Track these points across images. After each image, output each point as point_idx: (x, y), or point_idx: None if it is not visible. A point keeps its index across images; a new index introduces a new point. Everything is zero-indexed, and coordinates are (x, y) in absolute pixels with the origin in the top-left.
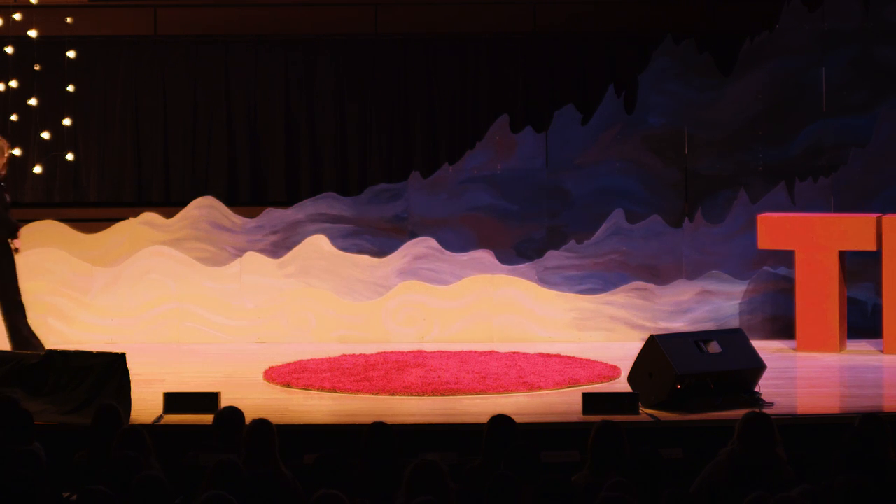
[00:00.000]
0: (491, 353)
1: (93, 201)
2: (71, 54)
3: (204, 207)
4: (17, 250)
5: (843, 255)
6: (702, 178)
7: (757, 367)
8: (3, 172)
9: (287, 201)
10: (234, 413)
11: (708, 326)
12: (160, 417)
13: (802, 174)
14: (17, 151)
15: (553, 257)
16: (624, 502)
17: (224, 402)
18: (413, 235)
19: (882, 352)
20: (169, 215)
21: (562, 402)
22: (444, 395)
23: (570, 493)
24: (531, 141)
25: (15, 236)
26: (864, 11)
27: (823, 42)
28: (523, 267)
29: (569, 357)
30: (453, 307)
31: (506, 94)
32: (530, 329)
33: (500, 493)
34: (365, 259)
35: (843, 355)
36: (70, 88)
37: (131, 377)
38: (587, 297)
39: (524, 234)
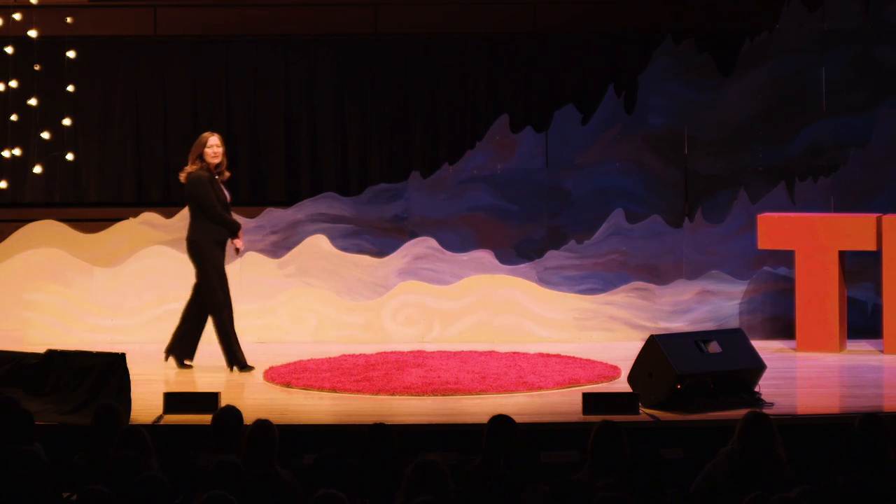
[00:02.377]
0: (491, 353)
1: (93, 201)
2: (71, 54)
3: None
4: (238, 250)
5: (843, 255)
6: (702, 178)
7: (757, 367)
8: (223, 168)
9: (287, 201)
10: (232, 413)
11: (708, 326)
12: (160, 417)
13: (802, 174)
14: (17, 151)
15: (553, 257)
16: (622, 501)
17: (224, 402)
18: (413, 235)
19: (882, 352)
20: (169, 215)
21: (562, 402)
22: (444, 395)
23: (584, 494)
24: (531, 141)
25: (236, 235)
26: (864, 11)
27: (823, 42)
28: (523, 267)
29: (569, 357)
30: (453, 307)
31: (506, 94)
32: (530, 329)
33: (500, 493)
34: (365, 259)
35: (843, 355)
36: (70, 88)
37: (131, 377)
38: (587, 297)
39: (524, 234)
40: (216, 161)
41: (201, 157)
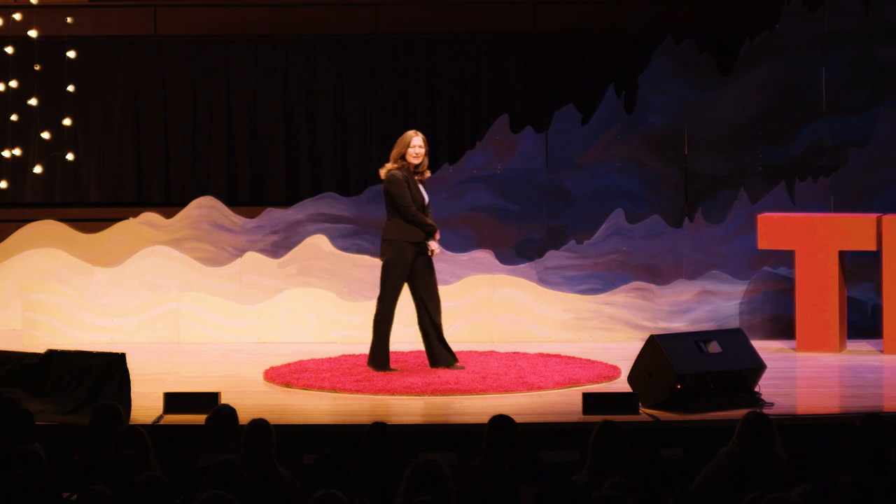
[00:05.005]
0: (491, 353)
1: (93, 201)
2: (71, 54)
3: (204, 207)
4: (432, 252)
5: (843, 255)
6: (702, 178)
7: (757, 367)
8: (423, 168)
9: (287, 201)
10: (226, 412)
11: (708, 326)
12: (160, 417)
13: (802, 174)
14: (17, 151)
15: (553, 257)
16: (619, 500)
17: (224, 402)
18: None
19: (882, 352)
20: (169, 215)
21: (562, 402)
22: (444, 395)
23: (573, 493)
24: (531, 141)
25: (432, 237)
26: (864, 11)
27: (823, 42)
28: (523, 267)
29: (569, 357)
30: (453, 307)
31: (506, 94)
32: (530, 329)
33: (500, 493)
34: (365, 259)
35: (843, 355)
36: (70, 88)
37: (131, 377)
38: (587, 297)
39: (524, 234)
40: (417, 162)
41: (403, 157)
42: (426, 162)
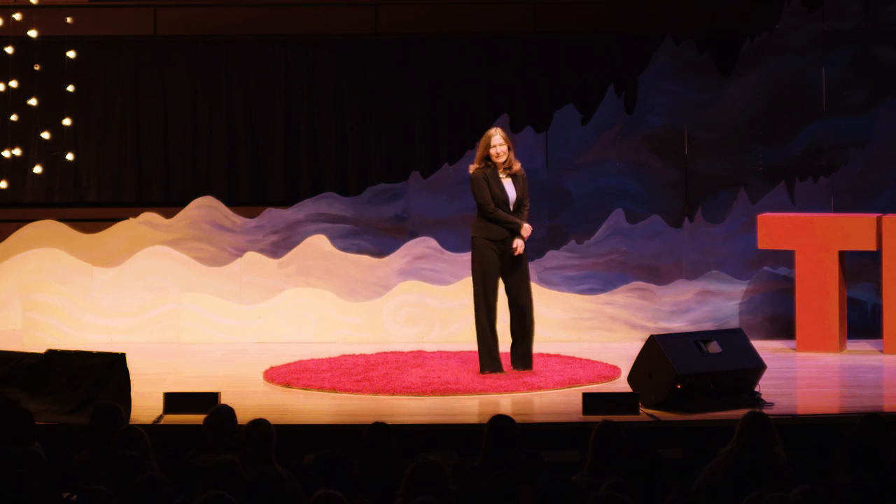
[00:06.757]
0: None
1: (93, 201)
2: (71, 54)
3: (204, 207)
4: (514, 249)
5: (843, 255)
6: (702, 178)
7: (757, 367)
8: (510, 163)
9: (287, 201)
10: (224, 412)
11: (708, 326)
12: (160, 417)
13: (802, 174)
14: (17, 151)
15: (553, 257)
16: (618, 500)
17: (224, 402)
18: (413, 235)
19: (882, 352)
20: (169, 215)
21: (562, 402)
22: (444, 395)
23: (572, 493)
24: (531, 141)
25: (517, 234)
26: (864, 11)
27: (823, 42)
28: None
29: (569, 357)
30: (453, 307)
31: (506, 94)
32: None
33: (500, 493)
34: (365, 259)
35: (843, 355)
36: (70, 88)
37: (131, 377)
38: (587, 297)
39: None
40: (500, 160)
41: (487, 157)
42: (511, 156)
